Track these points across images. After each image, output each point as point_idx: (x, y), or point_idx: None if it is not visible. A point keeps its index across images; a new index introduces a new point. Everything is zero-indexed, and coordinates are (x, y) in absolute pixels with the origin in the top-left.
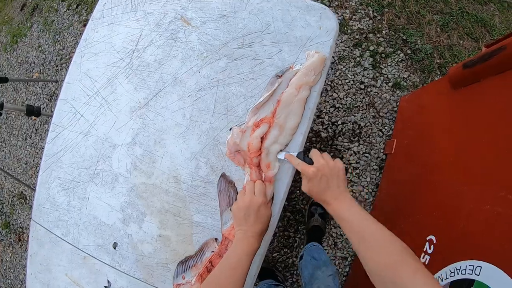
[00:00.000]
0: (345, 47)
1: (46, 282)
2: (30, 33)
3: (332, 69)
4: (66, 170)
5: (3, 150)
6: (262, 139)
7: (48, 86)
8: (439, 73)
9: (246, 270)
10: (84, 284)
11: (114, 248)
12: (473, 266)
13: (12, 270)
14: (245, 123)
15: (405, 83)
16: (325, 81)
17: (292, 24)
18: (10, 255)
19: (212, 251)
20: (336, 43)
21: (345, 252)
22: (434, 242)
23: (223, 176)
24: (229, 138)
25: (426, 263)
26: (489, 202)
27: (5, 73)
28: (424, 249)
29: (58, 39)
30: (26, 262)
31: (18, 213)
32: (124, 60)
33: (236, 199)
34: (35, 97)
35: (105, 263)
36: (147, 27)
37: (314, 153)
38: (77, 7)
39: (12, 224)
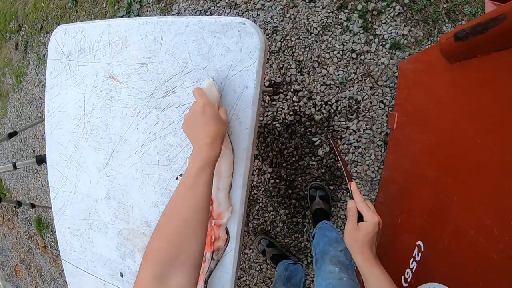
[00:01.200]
0: (328, 13)
1: None
2: (29, 70)
3: (316, 42)
4: (71, 221)
5: (39, 180)
6: None
7: None
8: (447, 20)
9: (206, 187)
10: None
11: (122, 276)
12: None
13: None
14: None
15: (405, 41)
16: (311, 58)
17: (209, 55)
18: None
19: None
20: (316, 11)
21: None
22: (422, 249)
23: None
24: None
25: (414, 270)
26: (474, 226)
27: (20, 113)
28: (413, 255)
29: None
30: None
31: None
32: (79, 126)
33: None
34: None
35: (118, 287)
36: (87, 91)
37: (371, 205)
38: None
39: None
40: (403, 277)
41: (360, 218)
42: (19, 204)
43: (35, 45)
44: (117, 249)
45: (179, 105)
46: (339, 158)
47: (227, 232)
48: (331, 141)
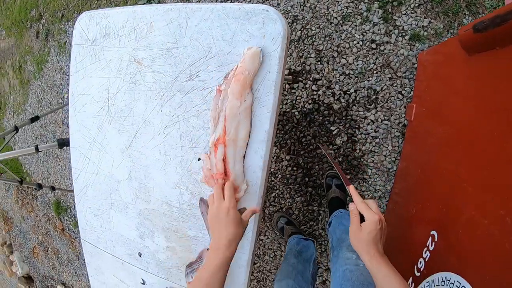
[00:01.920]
0: (348, 3)
1: (102, 281)
2: (50, 58)
3: (336, 32)
4: (92, 202)
5: (59, 164)
6: (224, 161)
7: None
8: (467, 13)
9: (221, 283)
10: (127, 281)
11: (140, 256)
12: (460, 284)
13: None
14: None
15: (425, 33)
16: (331, 47)
17: (233, 41)
18: None
19: None
20: (336, 1)
21: None
22: (436, 239)
23: (201, 200)
24: (203, 166)
25: (426, 260)
26: (488, 215)
27: (41, 99)
28: (427, 244)
29: None
30: None
31: None
32: (103, 109)
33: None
34: None
35: (137, 267)
36: (111, 75)
37: (372, 204)
38: None
39: None
40: (416, 266)
41: (363, 219)
42: (39, 186)
43: (56, 33)
44: (137, 229)
45: (202, 88)
46: (333, 165)
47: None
48: (322, 149)
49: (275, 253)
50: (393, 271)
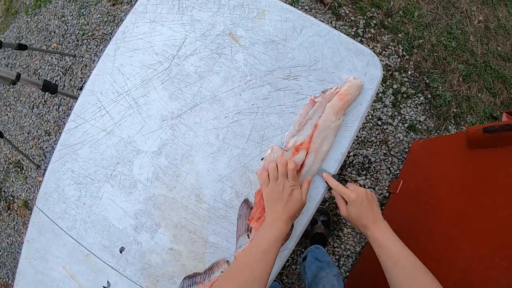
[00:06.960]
0: None
1: (40, 270)
2: (55, 0)
3: None
4: (81, 165)
5: (7, 115)
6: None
7: (64, 59)
8: (453, 122)
9: (275, 255)
10: (81, 280)
11: (121, 252)
12: None
13: None
14: (284, 145)
15: (420, 127)
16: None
17: (340, 65)
18: None
19: (221, 271)
20: None
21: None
22: None
23: (245, 201)
24: (267, 154)
25: None
26: (483, 263)
27: (22, 36)
28: None
29: (84, 13)
30: (12, 232)
31: (12, 181)
32: (162, 64)
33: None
34: (50, 67)
35: (108, 264)
36: (192, 35)
37: (350, 184)
38: None
39: (4, 191)
40: None
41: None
42: None
43: None
44: (135, 217)
45: (296, 92)
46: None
47: (291, 228)
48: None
49: None
50: (387, 235)
